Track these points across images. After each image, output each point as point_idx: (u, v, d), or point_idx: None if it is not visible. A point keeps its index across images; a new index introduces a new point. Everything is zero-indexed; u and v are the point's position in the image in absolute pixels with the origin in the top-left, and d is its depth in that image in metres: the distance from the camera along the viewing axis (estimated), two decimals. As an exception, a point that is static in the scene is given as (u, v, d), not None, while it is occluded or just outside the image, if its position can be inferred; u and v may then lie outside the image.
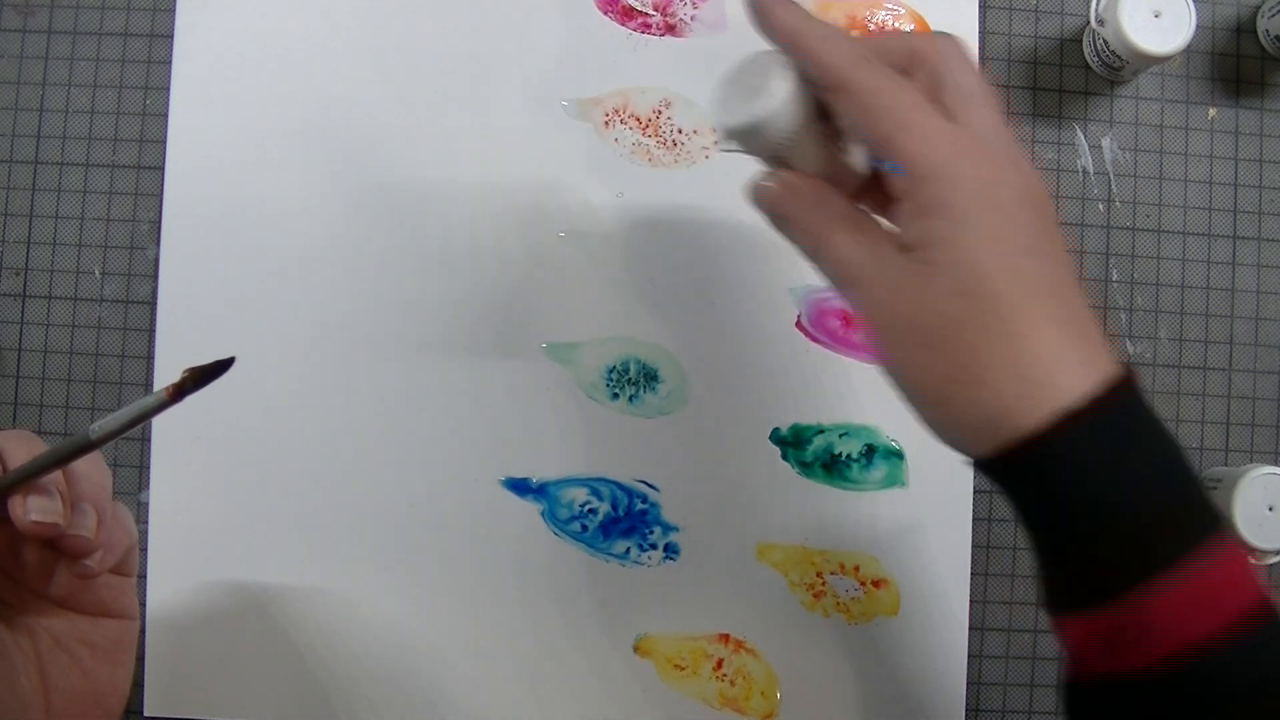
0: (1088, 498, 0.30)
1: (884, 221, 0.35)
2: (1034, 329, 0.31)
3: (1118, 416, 0.31)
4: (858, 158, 0.37)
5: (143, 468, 0.50)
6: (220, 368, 0.31)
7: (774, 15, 0.34)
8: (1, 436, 0.34)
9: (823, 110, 0.35)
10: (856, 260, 0.34)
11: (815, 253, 0.35)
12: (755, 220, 0.37)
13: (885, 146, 0.33)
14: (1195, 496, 0.31)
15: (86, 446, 0.32)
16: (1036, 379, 0.30)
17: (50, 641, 0.37)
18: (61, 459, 0.33)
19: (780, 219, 0.36)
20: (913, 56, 0.34)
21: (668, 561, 0.50)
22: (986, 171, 0.32)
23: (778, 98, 0.34)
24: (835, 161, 0.36)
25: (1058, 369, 0.31)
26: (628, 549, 0.50)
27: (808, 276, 0.51)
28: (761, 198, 0.37)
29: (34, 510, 0.32)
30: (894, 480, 0.51)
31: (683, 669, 0.50)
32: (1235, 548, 0.31)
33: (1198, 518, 0.31)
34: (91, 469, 0.35)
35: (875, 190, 0.36)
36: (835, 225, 0.35)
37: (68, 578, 0.37)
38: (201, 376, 0.31)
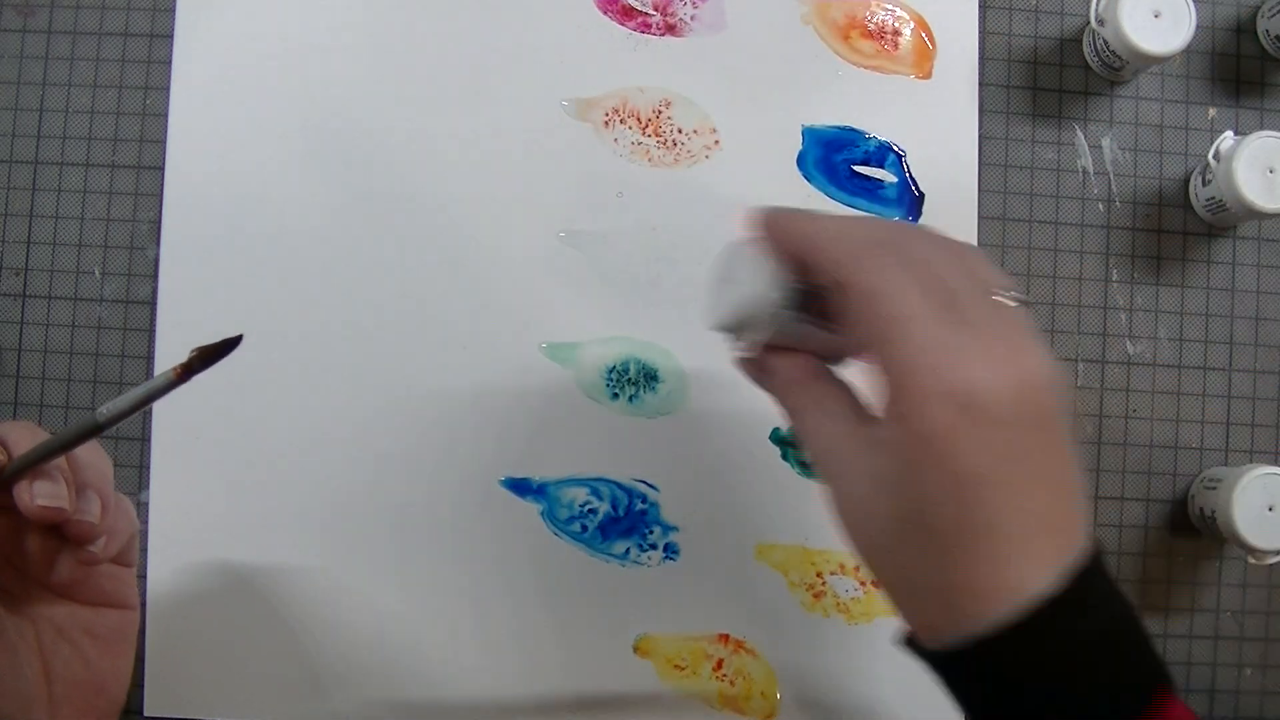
0: (997, 704, 0.31)
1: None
2: (968, 557, 0.31)
3: (1057, 625, 0.30)
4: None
5: (143, 467, 0.50)
6: (228, 346, 0.31)
7: (777, 228, 0.35)
8: (6, 426, 0.35)
9: (807, 295, 0.35)
10: (826, 447, 0.34)
11: (793, 429, 0.36)
12: (755, 220, 0.37)
13: (878, 350, 0.32)
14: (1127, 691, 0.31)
15: (94, 429, 0.32)
16: (960, 606, 0.31)
17: (53, 631, 0.37)
18: (68, 442, 0.33)
19: (762, 386, 0.37)
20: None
21: (667, 561, 0.50)
22: (971, 385, 0.30)
23: (753, 287, 0.34)
24: (819, 339, 0.36)
25: (981, 598, 0.30)
26: (627, 549, 0.50)
27: (808, 276, 0.51)
28: (744, 370, 0.38)
29: (40, 495, 0.33)
30: (894, 480, 0.51)
31: (683, 669, 0.50)
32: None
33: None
34: (95, 458, 0.36)
35: None
36: (810, 408, 0.35)
37: (70, 566, 0.37)
38: (209, 355, 0.31)
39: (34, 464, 0.33)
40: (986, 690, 0.31)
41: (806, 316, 0.35)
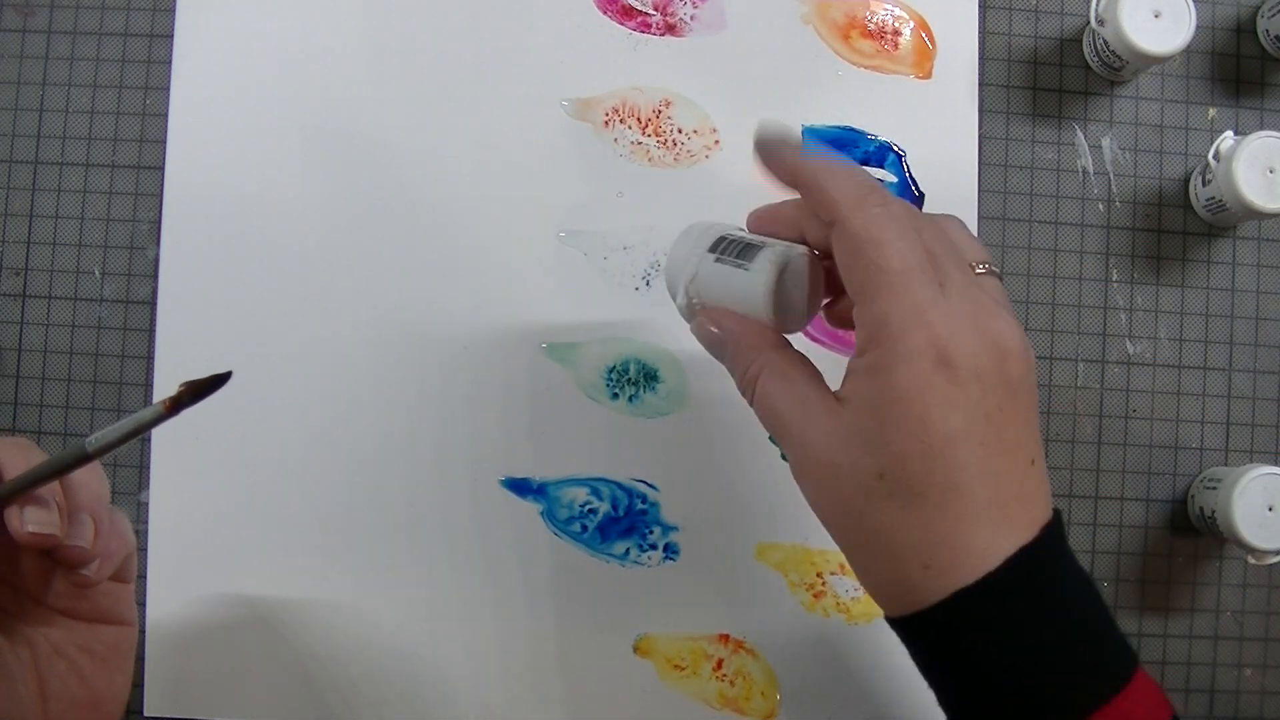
0: (976, 669, 0.31)
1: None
2: (945, 515, 0.31)
3: (1007, 598, 0.31)
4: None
5: (143, 468, 0.50)
6: (217, 382, 0.31)
7: (778, 156, 0.35)
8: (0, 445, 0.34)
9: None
10: (789, 410, 0.34)
11: (747, 395, 0.36)
12: (755, 221, 0.37)
13: (859, 297, 0.32)
14: (1086, 659, 0.31)
15: (83, 459, 0.32)
16: (938, 562, 0.31)
17: (48, 649, 0.37)
18: (58, 470, 0.33)
19: (718, 355, 0.37)
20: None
21: (667, 561, 0.50)
22: (953, 343, 0.31)
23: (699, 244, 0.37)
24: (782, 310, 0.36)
25: (960, 553, 0.31)
26: (627, 549, 0.50)
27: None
28: (702, 336, 0.37)
29: (30, 521, 0.33)
30: (894, 480, 0.51)
31: (683, 669, 0.50)
32: (1138, 694, 0.31)
33: (1086, 683, 0.31)
34: (89, 478, 0.35)
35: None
36: (771, 373, 0.35)
37: (66, 586, 0.37)
38: (198, 390, 0.31)
39: (25, 489, 0.33)
40: (950, 655, 0.32)
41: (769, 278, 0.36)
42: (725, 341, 0.36)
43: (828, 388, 0.33)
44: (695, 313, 0.38)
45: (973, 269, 0.34)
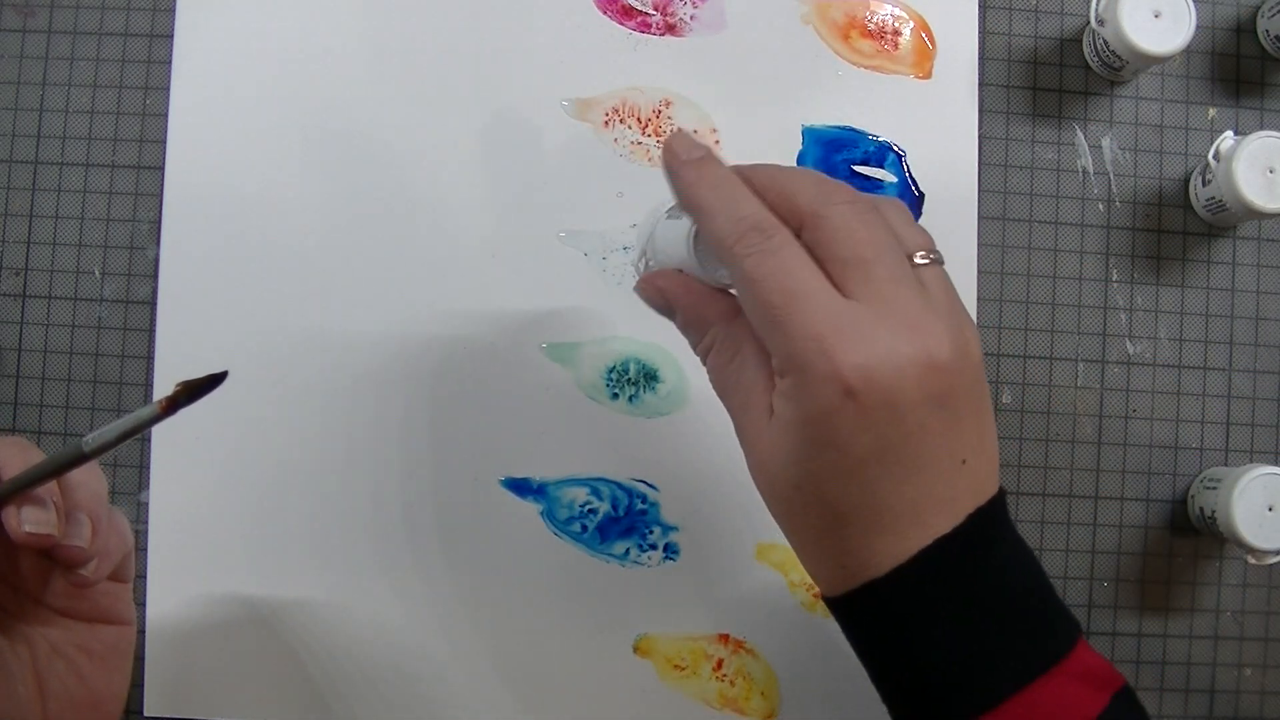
0: (911, 642, 0.32)
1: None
2: (855, 528, 0.31)
3: (919, 587, 0.31)
4: None
5: (143, 468, 0.50)
6: (213, 381, 0.32)
7: (675, 176, 0.34)
8: None
9: None
10: (736, 396, 0.34)
11: (704, 362, 0.36)
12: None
13: (761, 333, 0.32)
14: (1007, 640, 0.31)
15: (80, 458, 0.32)
16: (852, 564, 0.32)
17: (47, 649, 0.37)
18: (55, 469, 0.33)
19: (668, 316, 0.37)
20: (803, 220, 0.32)
21: (667, 561, 0.50)
22: (859, 372, 0.30)
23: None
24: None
25: (874, 554, 0.31)
26: (627, 549, 0.50)
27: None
28: (644, 297, 0.37)
29: (28, 521, 0.33)
30: (894, 480, 0.51)
31: (683, 669, 0.50)
32: (1076, 665, 0.31)
33: (1006, 663, 0.31)
34: (87, 477, 0.35)
35: None
36: (724, 349, 0.34)
37: (64, 585, 0.37)
38: (194, 390, 0.31)
39: (23, 488, 0.33)
40: (866, 638, 0.33)
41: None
42: (672, 306, 0.36)
43: (772, 382, 0.33)
44: (641, 277, 0.37)
45: (911, 260, 0.33)
